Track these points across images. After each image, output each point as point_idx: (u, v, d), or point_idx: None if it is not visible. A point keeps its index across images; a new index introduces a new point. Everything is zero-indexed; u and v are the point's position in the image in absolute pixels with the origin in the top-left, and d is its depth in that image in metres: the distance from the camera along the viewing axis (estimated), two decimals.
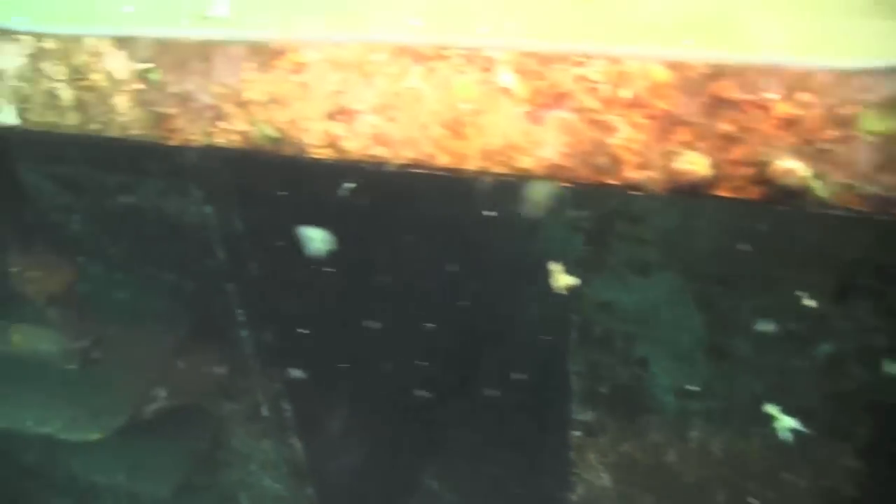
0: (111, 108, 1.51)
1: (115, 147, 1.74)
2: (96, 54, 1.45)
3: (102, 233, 2.80)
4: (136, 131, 1.51)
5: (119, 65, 1.45)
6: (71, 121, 1.56)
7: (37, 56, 1.51)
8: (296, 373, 3.20)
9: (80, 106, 1.53)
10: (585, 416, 2.56)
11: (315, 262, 2.82)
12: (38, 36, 1.49)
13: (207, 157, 2.54)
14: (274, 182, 2.52)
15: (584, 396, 2.53)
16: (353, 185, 1.44)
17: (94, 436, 2.92)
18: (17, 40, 1.51)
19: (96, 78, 1.48)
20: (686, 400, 2.39)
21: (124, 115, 1.50)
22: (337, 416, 3.47)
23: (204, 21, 1.48)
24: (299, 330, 3.15)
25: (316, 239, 2.61)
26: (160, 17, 1.52)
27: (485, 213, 2.39)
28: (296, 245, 2.87)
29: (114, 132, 1.53)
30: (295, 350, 3.15)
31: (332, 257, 2.68)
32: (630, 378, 2.43)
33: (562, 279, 2.00)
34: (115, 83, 1.47)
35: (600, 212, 2.18)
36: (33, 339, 2.56)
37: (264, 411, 3.28)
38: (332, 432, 3.47)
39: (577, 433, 2.57)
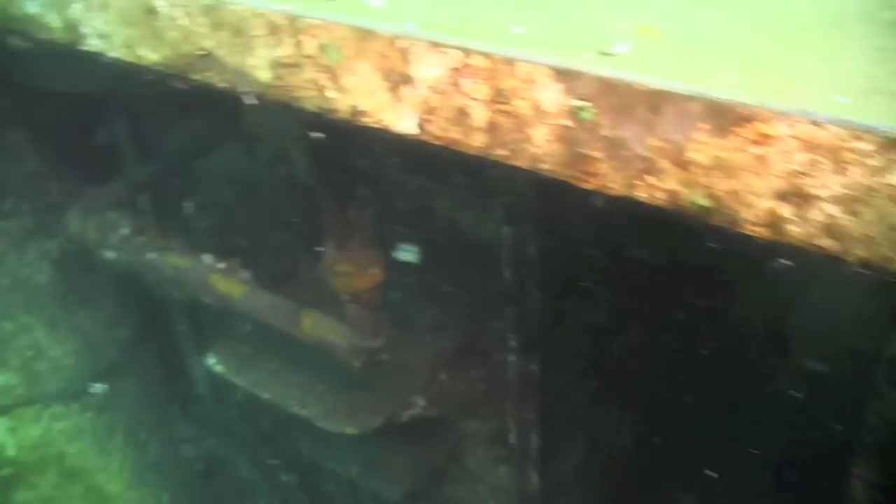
0: (527, 137, 1.42)
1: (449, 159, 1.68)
2: (528, 81, 1.37)
3: (407, 238, 2.78)
4: (546, 166, 1.43)
5: (551, 97, 1.36)
6: (476, 142, 1.49)
7: (459, 71, 1.44)
8: (554, 409, 3.11)
9: (491, 129, 1.46)
10: None
11: (611, 309, 2.72)
12: (467, 52, 1.42)
13: (521, 179, 2.48)
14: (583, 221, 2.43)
15: None
16: (788, 263, 1.31)
17: (350, 430, 2.91)
18: (444, 52, 1.45)
19: (520, 105, 1.40)
20: None
21: (539, 147, 1.42)
22: (581, 458, 3.36)
23: (603, 58, 1.38)
24: (568, 368, 3.06)
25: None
26: (553, 44, 1.43)
27: None
28: (594, 285, 2.77)
29: (521, 162, 1.45)
30: (557, 388, 3.06)
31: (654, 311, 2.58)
32: None
33: None
34: (540, 114, 1.39)
35: None
36: (323, 329, 2.55)
37: (511, 438, 3.21)
38: (572, 473, 3.36)
39: None
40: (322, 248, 2.57)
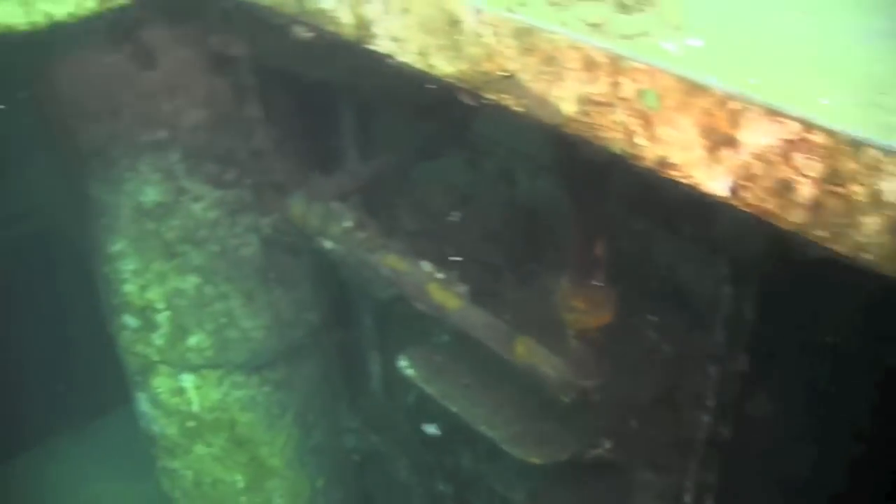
0: (853, 224, 1.38)
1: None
2: (873, 168, 1.33)
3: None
4: (866, 255, 1.38)
5: (894, 188, 1.31)
6: (793, 217, 1.46)
7: (794, 144, 1.41)
8: (737, 476, 3.04)
9: (814, 208, 1.42)
10: None
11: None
12: (809, 126, 1.39)
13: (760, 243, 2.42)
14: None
15: None
16: None
17: (535, 460, 2.90)
18: (781, 122, 1.42)
19: (855, 190, 1.36)
20: None
21: (866, 237, 1.37)
22: None
23: None
24: (760, 439, 2.98)
25: None
26: (860, 122, 1.37)
27: None
28: (810, 363, 2.69)
29: (841, 247, 1.41)
30: (745, 456, 2.98)
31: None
32: None
33: None
34: (876, 204, 1.34)
35: None
36: (537, 357, 2.55)
37: (686, 498, 3.14)
38: None
39: None
40: (535, 275, 2.58)
